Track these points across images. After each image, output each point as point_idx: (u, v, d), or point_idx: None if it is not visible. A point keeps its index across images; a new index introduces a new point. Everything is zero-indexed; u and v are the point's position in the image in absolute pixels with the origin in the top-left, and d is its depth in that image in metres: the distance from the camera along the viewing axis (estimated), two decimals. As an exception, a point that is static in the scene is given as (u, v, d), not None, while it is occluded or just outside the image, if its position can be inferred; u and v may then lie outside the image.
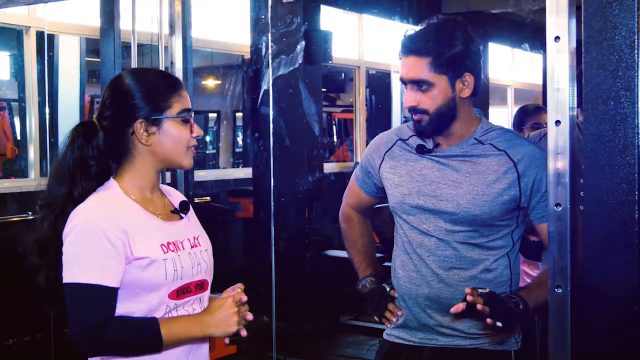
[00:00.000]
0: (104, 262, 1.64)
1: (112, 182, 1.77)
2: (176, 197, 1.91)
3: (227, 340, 1.81)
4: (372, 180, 2.23)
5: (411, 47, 2.00)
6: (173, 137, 1.76)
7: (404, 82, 2.04)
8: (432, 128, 2.02)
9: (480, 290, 1.88)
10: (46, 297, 1.79)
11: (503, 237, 2.04)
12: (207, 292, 1.85)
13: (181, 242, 1.78)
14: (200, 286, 1.80)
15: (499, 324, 1.86)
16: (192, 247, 1.80)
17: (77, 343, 1.65)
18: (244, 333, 1.77)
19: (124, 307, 1.69)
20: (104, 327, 1.64)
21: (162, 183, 1.90)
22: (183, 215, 1.85)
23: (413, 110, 2.02)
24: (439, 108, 1.99)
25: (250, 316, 1.79)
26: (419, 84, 1.99)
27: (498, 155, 2.01)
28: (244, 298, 1.78)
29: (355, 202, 2.34)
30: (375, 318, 2.19)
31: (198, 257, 1.80)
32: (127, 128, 1.74)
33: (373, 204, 2.34)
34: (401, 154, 2.14)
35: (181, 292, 1.74)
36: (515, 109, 5.00)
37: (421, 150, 2.08)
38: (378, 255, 2.43)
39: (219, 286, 1.88)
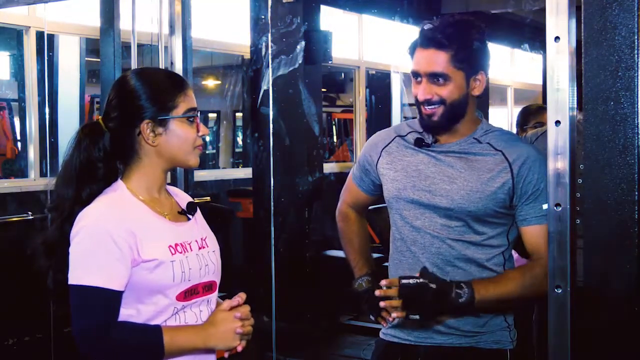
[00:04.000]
0: (108, 265, 1.63)
1: (119, 184, 1.76)
2: (182, 197, 1.90)
3: (226, 354, 1.78)
4: (370, 177, 2.23)
5: (433, 39, 1.98)
6: (180, 137, 1.75)
7: (418, 74, 2.01)
8: (444, 122, 2.01)
9: (404, 281, 1.86)
10: (54, 298, 1.79)
11: (498, 236, 2.04)
12: (215, 294, 1.83)
13: (189, 244, 1.77)
14: (208, 287, 1.79)
15: (414, 316, 1.86)
16: (199, 248, 1.79)
17: (78, 344, 1.65)
18: (239, 348, 1.75)
19: (133, 309, 1.69)
20: (106, 330, 1.63)
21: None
22: (190, 216, 1.85)
23: (427, 102, 2.00)
24: (453, 102, 1.99)
25: (240, 347, 1.75)
26: (436, 77, 1.98)
27: (494, 155, 2.02)
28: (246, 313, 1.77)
29: (353, 201, 2.34)
30: (371, 317, 2.19)
31: (206, 259, 1.79)
32: (134, 129, 1.74)
33: (370, 202, 2.34)
34: (398, 149, 2.14)
35: (189, 294, 1.73)
36: (515, 109, 5.02)
37: (419, 144, 2.08)
38: (377, 255, 2.43)
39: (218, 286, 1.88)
